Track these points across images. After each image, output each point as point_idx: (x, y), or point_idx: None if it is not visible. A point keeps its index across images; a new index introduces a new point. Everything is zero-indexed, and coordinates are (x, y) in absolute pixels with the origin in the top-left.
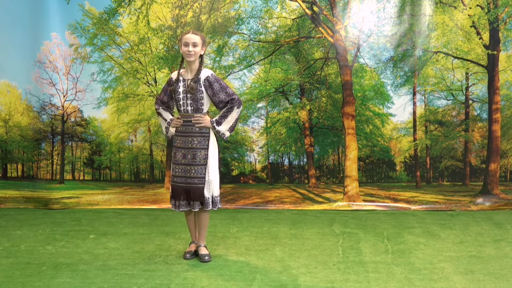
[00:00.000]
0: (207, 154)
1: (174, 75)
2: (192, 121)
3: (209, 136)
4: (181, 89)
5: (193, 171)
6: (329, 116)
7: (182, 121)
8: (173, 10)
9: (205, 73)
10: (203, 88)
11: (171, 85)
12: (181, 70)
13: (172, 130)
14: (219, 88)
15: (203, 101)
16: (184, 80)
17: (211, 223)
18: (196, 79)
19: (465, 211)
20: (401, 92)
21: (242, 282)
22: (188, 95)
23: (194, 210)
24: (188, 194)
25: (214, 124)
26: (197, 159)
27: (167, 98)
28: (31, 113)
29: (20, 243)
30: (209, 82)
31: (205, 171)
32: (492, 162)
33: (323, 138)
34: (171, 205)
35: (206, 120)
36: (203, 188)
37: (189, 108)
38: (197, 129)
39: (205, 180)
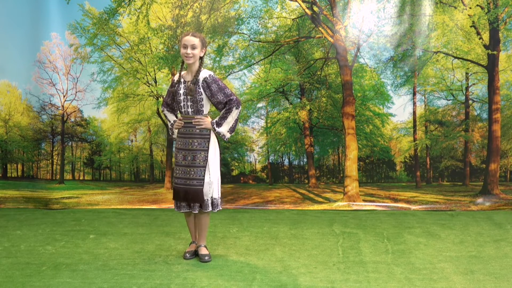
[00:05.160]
0: (207, 156)
1: (176, 76)
2: (193, 123)
3: (209, 138)
4: (181, 91)
5: (192, 172)
6: (329, 116)
7: (183, 122)
8: (173, 10)
9: (204, 74)
10: (201, 90)
11: (173, 86)
12: (182, 72)
13: (175, 131)
14: (217, 89)
15: (202, 102)
16: (184, 81)
17: (211, 223)
18: (195, 81)
19: (465, 211)
20: (401, 92)
21: (242, 282)
22: (189, 97)
23: (194, 212)
24: (187, 196)
25: (215, 126)
26: (197, 160)
27: (170, 100)
28: (31, 113)
29: (20, 243)
30: (207, 83)
31: (205, 173)
32: (492, 162)
33: (323, 138)
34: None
35: (207, 122)
36: (202, 190)
37: (189, 109)
38: (198, 130)
39: (204, 182)
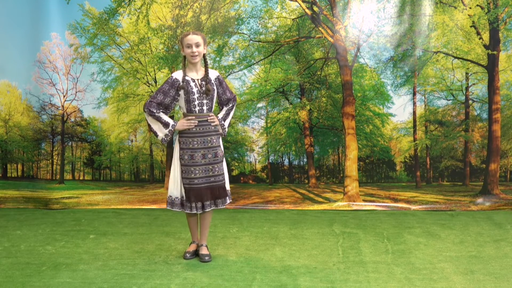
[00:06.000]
0: (223, 151)
1: (177, 75)
2: (208, 120)
3: (219, 134)
4: (195, 89)
5: (217, 169)
6: (329, 116)
7: (197, 121)
8: (173, 10)
9: (214, 72)
10: (215, 87)
11: (178, 85)
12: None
13: (169, 132)
14: (226, 87)
15: (214, 100)
16: (193, 80)
17: (211, 223)
18: (208, 79)
19: (465, 211)
20: (401, 92)
21: (242, 282)
22: (204, 95)
23: (219, 207)
24: (213, 193)
25: (222, 122)
26: (218, 157)
27: (169, 100)
28: (31, 113)
29: (20, 243)
30: (219, 81)
31: (223, 167)
32: (492, 162)
33: (323, 138)
34: (184, 210)
35: (216, 119)
36: (224, 184)
37: (205, 107)
38: (213, 128)
39: (224, 176)
